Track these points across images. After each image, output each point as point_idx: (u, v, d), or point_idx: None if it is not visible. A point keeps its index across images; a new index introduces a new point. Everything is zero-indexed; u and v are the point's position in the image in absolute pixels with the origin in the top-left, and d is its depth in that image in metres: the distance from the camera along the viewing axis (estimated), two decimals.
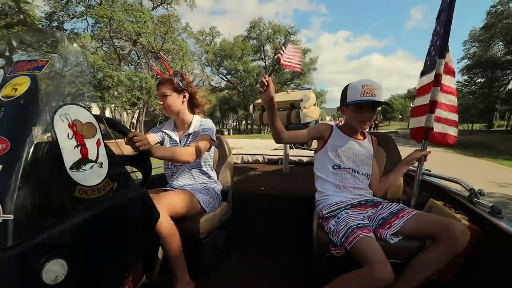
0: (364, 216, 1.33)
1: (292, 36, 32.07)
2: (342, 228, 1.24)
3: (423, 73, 1.74)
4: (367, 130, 1.54)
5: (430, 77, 1.61)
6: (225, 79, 32.16)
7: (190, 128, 1.69)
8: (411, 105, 1.94)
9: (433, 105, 1.51)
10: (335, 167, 1.48)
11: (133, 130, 1.16)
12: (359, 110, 1.42)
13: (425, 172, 2.07)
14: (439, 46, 1.50)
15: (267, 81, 1.19)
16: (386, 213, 1.33)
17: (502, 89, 23.39)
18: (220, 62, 29.88)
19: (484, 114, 25.84)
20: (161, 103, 1.63)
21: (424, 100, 1.67)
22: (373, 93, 1.36)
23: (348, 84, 1.45)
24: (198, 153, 1.54)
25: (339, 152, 1.48)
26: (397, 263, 1.14)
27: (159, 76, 1.69)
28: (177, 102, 1.66)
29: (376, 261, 1.06)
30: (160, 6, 20.18)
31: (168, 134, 1.72)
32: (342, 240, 1.21)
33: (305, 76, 32.27)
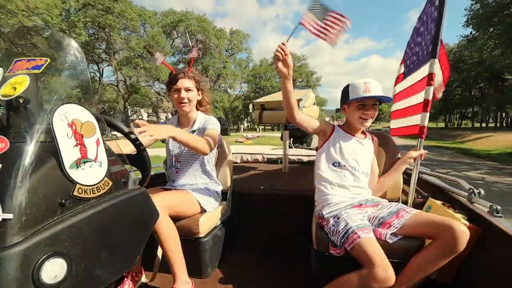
0: (363, 216, 1.33)
1: (302, 60, 44.96)
2: (342, 228, 1.24)
3: (404, 76, 1.80)
4: (368, 126, 1.53)
5: (412, 79, 1.69)
6: (258, 92, 45.57)
7: (194, 125, 1.67)
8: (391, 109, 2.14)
9: (427, 104, 1.53)
10: (335, 164, 1.48)
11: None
12: (362, 108, 1.43)
13: (424, 172, 2.07)
14: (430, 46, 1.52)
15: (284, 50, 1.17)
16: (385, 212, 1.33)
17: (456, 97, 37.09)
18: (255, 81, 43.70)
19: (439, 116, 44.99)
20: (184, 97, 1.60)
21: (408, 102, 1.77)
22: (374, 91, 1.38)
23: (349, 84, 1.46)
24: (212, 146, 1.52)
25: (341, 149, 1.48)
26: (397, 262, 1.14)
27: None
28: (196, 98, 1.67)
29: (377, 262, 1.07)
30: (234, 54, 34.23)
31: None
32: (342, 240, 1.21)
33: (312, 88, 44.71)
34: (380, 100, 1.44)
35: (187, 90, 1.61)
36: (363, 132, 1.59)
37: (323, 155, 1.52)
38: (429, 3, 1.61)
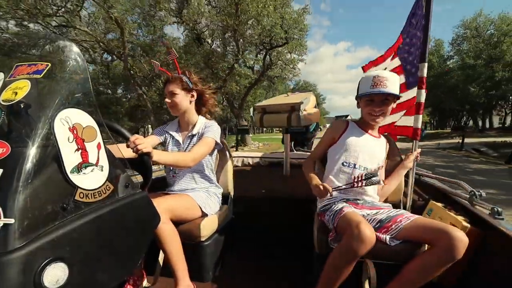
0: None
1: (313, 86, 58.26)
2: (332, 213, 1.28)
3: (408, 86, 1.83)
4: (380, 124, 1.50)
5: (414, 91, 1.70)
6: None
7: (194, 129, 1.65)
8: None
9: (419, 107, 1.57)
10: (344, 164, 1.45)
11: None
12: (370, 103, 1.39)
13: (425, 174, 2.07)
14: (419, 52, 1.57)
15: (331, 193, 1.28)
16: (384, 216, 1.29)
17: None
18: None
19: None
20: (168, 101, 1.59)
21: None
22: (384, 85, 1.32)
23: (363, 77, 1.42)
24: (200, 157, 1.50)
25: (353, 146, 1.44)
26: (397, 265, 1.14)
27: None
28: (185, 101, 1.62)
29: (356, 222, 1.07)
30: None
31: (171, 134, 1.69)
32: (333, 222, 1.24)
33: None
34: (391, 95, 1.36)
35: (172, 94, 1.58)
36: (378, 132, 1.56)
37: (334, 154, 1.49)
38: (417, 8, 1.65)
